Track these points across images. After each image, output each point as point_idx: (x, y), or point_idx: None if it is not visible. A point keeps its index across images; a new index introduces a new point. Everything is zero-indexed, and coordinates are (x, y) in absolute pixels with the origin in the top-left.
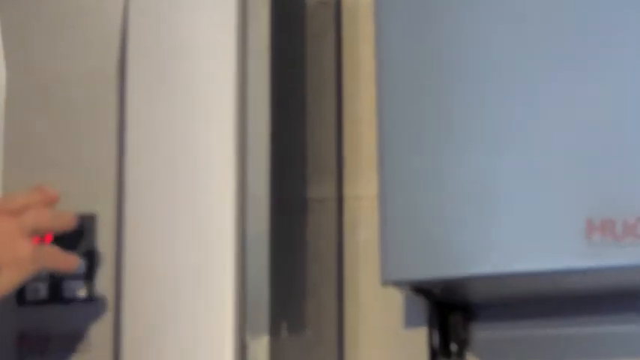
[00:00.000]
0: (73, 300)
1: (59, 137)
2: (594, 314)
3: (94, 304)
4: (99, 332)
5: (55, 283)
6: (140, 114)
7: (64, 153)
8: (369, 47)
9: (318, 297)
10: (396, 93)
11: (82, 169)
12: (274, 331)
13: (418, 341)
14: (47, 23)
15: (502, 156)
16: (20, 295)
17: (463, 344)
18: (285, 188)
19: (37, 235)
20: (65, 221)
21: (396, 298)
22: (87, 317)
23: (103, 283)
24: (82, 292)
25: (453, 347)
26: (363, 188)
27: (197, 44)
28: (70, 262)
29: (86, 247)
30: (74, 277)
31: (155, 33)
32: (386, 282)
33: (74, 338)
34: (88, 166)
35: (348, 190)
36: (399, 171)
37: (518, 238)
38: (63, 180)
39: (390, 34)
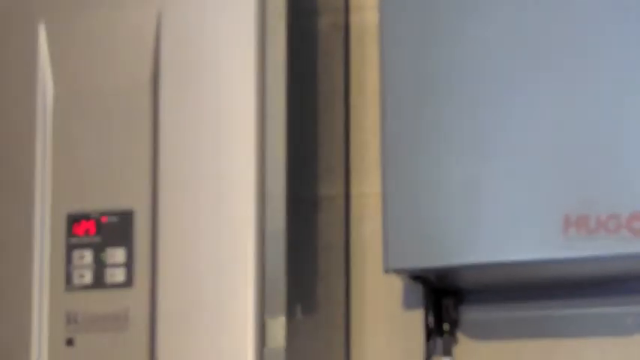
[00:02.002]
0: (114, 285)
1: (100, 141)
2: (568, 298)
3: (132, 288)
4: (137, 313)
5: (99, 270)
6: (172, 122)
7: (105, 155)
8: (374, 65)
9: (328, 283)
10: (398, 106)
11: (121, 170)
12: (290, 313)
13: (415, 321)
14: (87, 40)
15: (488, 161)
16: (68, 281)
17: (454, 324)
18: (299, 187)
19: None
20: None
21: (397, 284)
22: (126, 300)
23: (141, 270)
24: (122, 278)
25: (446, 327)
26: (368, 187)
27: (222, 60)
28: None
29: (126, 238)
30: (115, 265)
31: (184, 50)
32: (388, 270)
33: (115, 318)
34: (126, 166)
35: (354, 189)
36: (399, 173)
37: (502, 232)
38: (104, 180)
39: (393, 55)
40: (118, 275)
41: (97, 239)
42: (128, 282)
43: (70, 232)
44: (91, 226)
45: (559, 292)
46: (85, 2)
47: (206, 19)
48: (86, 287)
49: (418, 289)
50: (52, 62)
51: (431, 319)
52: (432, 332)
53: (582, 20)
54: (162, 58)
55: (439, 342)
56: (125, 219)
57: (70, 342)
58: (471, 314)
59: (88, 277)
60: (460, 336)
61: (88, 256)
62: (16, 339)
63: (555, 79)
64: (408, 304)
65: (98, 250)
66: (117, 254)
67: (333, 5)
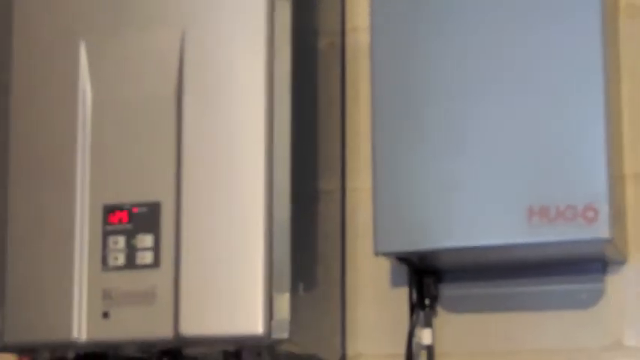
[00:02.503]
0: (143, 266)
1: (132, 143)
2: (532, 277)
3: (159, 269)
4: (163, 289)
5: (131, 253)
6: (193, 127)
7: (136, 154)
8: (366, 79)
9: (326, 264)
10: (386, 114)
11: (149, 167)
12: (293, 290)
13: (401, 297)
14: (120, 55)
15: (463, 160)
16: (104, 262)
17: (434, 300)
18: (302, 183)
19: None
20: None
21: (385, 265)
22: (154, 278)
23: (166, 253)
24: (150, 260)
25: (427, 302)
26: (360, 183)
27: (236, 73)
28: None
29: (154, 226)
30: (144, 248)
31: (204, 65)
32: (377, 253)
33: (144, 294)
34: (154, 164)
35: (349, 184)
36: (387, 171)
37: (475, 220)
38: (135, 176)
39: (381, 71)
40: (146, 257)
41: (129, 227)
42: (155, 263)
43: (105, 221)
44: (124, 215)
45: (524, 271)
46: (119, 23)
47: (222, 39)
48: (119, 268)
49: (403, 270)
50: (91, 74)
51: (414, 296)
52: (415, 306)
53: (537, 46)
54: (185, 71)
55: (421, 315)
56: (153, 209)
57: (105, 315)
58: (448, 291)
59: (121, 259)
60: (439, 309)
61: (121, 241)
62: (60, 313)
63: (520, 92)
64: (394, 283)
65: (130, 236)
66: (146, 240)
67: (331, 27)
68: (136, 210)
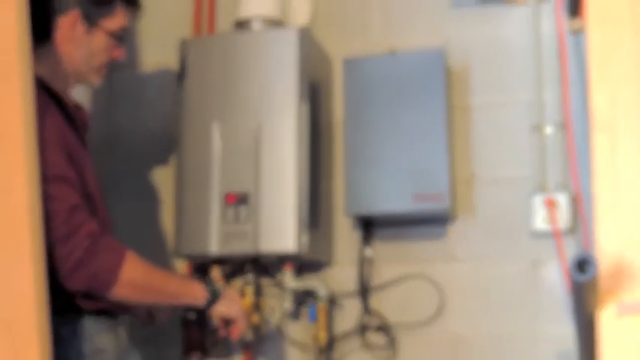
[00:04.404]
0: (242, 220)
1: (237, 166)
2: (416, 226)
3: (248, 221)
4: (251, 230)
5: (236, 215)
6: (264, 160)
7: (238, 170)
8: (341, 139)
9: (324, 220)
10: (351, 153)
11: (244, 176)
12: (310, 229)
13: (357, 234)
14: (230, 129)
15: (384, 172)
16: (226, 219)
17: (372, 235)
18: (312, 183)
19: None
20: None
21: (349, 220)
22: (246, 226)
23: (252, 214)
24: (245, 218)
25: (367, 236)
26: (338, 184)
27: (282, 140)
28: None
29: (246, 203)
30: (243, 213)
31: (269, 136)
32: (346, 214)
33: (242, 232)
34: (246, 174)
35: (333, 184)
36: (351, 179)
37: (389, 200)
38: (238, 179)
39: (349, 135)
40: (243, 216)
41: (235, 203)
42: (248, 219)
43: (225, 201)
44: (232, 198)
45: (412, 223)
46: (229, 112)
47: (276, 124)
48: (231, 222)
49: (358, 222)
50: (220, 133)
51: (363, 234)
52: (364, 238)
53: (415, 119)
54: (261, 138)
55: (367, 243)
56: (246, 195)
57: (225, 241)
58: (379, 232)
59: (232, 218)
60: (375, 240)
61: (232, 209)
62: (205, 239)
63: (411, 139)
64: (354, 228)
65: (236, 207)
66: (243, 209)
67: (326, 115)
68: (240, 195)
